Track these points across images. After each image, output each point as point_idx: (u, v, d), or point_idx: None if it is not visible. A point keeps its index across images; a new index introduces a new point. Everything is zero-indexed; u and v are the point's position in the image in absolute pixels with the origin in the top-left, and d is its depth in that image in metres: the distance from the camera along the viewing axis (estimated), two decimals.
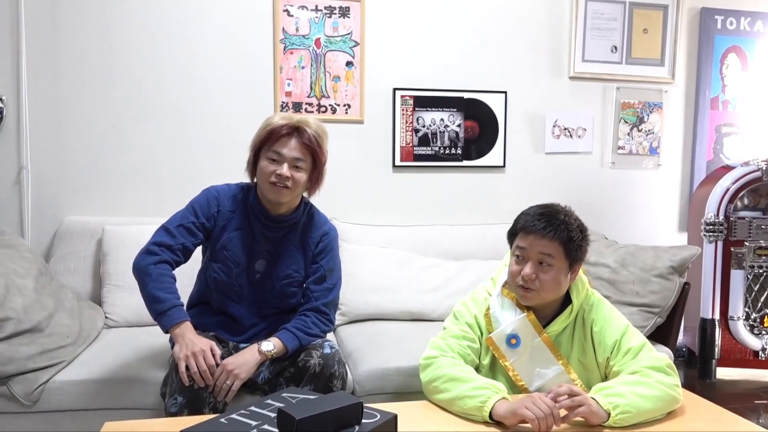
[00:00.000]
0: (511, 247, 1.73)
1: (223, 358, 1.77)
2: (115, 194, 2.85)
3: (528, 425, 1.40)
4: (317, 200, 2.76)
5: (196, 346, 1.70)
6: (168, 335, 2.05)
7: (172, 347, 2.02)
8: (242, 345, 1.93)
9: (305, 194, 2.02)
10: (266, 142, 1.87)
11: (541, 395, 1.44)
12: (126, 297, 2.49)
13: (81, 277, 2.62)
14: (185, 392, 1.69)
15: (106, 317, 2.47)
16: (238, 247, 1.93)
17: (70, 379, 1.99)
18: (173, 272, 1.86)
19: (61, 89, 2.77)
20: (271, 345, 1.82)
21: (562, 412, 1.43)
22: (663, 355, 1.62)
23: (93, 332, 2.30)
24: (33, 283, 2.16)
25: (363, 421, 1.19)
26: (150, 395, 1.99)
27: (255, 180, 1.96)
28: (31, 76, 2.72)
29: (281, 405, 1.18)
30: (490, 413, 1.44)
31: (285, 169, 1.84)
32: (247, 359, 1.77)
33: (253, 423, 1.17)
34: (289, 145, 1.86)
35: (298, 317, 1.94)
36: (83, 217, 2.76)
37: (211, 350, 1.71)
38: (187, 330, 1.76)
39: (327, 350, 1.87)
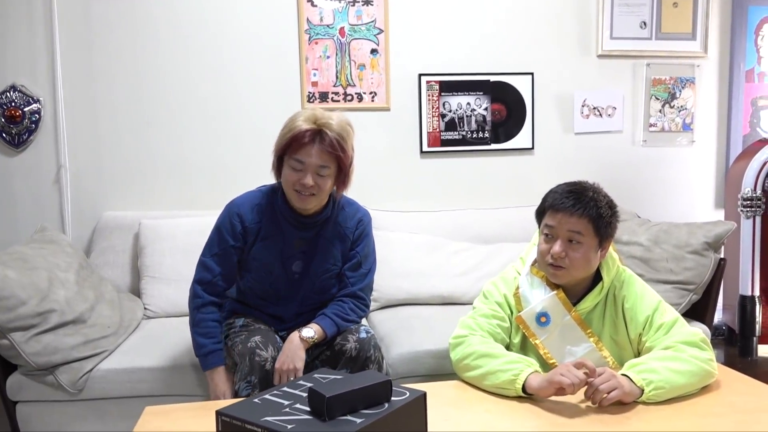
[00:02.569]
0: (539, 226, 1.72)
1: (269, 336, 1.84)
2: (150, 189, 2.92)
3: (559, 399, 1.40)
4: (350, 187, 2.79)
5: (213, 393, 1.85)
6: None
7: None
8: (281, 333, 1.97)
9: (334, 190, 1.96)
10: (288, 148, 1.82)
11: (575, 362, 1.45)
12: (163, 288, 2.56)
13: (120, 270, 2.69)
14: (259, 372, 1.76)
15: (145, 308, 2.54)
16: (270, 254, 1.92)
17: (112, 368, 2.06)
18: (216, 310, 1.92)
19: (95, 89, 2.85)
20: (311, 332, 1.85)
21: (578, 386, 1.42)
22: (697, 330, 1.60)
23: (133, 322, 2.37)
24: (74, 277, 2.24)
25: (392, 398, 1.21)
26: (189, 383, 2.06)
27: (279, 181, 1.93)
28: (66, 77, 2.81)
29: (312, 385, 1.21)
30: (523, 386, 1.45)
31: (309, 179, 1.79)
32: (293, 350, 1.81)
33: (286, 402, 1.20)
34: (312, 152, 1.79)
35: (336, 303, 1.97)
36: (120, 212, 2.84)
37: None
38: (215, 374, 1.87)
39: (363, 335, 1.89)
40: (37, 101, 2.79)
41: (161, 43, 2.88)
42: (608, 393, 1.41)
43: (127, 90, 2.87)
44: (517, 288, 1.74)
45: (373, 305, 2.66)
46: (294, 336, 1.84)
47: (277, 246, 1.92)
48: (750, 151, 3.20)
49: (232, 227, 1.90)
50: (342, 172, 1.88)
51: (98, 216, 2.84)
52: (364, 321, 2.06)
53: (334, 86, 3.02)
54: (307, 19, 2.96)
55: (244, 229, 1.90)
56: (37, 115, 2.80)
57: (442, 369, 2.04)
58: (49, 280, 2.11)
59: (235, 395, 1.80)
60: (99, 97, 2.86)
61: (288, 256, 1.93)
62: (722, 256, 2.52)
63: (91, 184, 2.88)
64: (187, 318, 2.45)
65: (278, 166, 1.89)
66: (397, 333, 2.31)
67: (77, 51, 2.82)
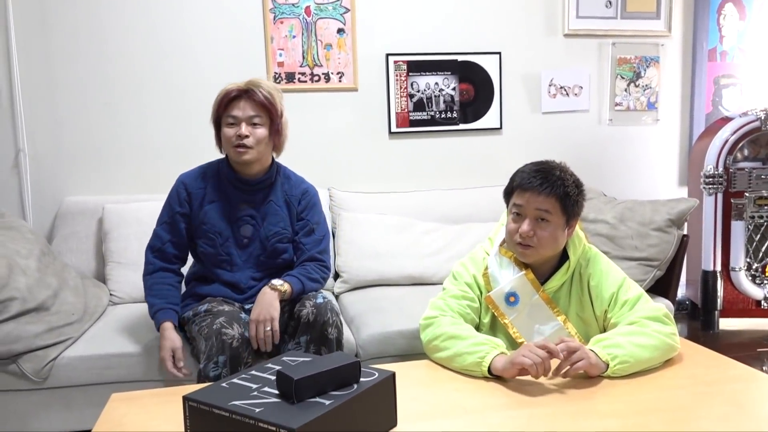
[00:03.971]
0: (507, 206, 1.73)
1: (233, 315, 1.85)
2: (113, 172, 2.86)
3: (526, 377, 1.42)
4: (315, 168, 2.78)
5: (164, 348, 1.89)
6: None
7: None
8: (247, 306, 1.98)
9: (273, 154, 2.08)
10: (221, 109, 1.96)
11: (536, 342, 1.46)
12: (129, 274, 2.51)
13: (84, 256, 2.64)
14: (229, 350, 1.77)
15: (111, 294, 2.50)
16: (216, 218, 2.01)
17: (78, 355, 2.03)
18: (170, 275, 2.02)
19: (53, 69, 2.76)
20: (279, 281, 1.92)
21: (555, 362, 1.44)
22: (660, 305, 1.63)
23: (99, 309, 2.33)
24: (36, 263, 2.18)
25: (361, 379, 1.21)
26: (157, 368, 2.03)
27: (224, 152, 2.05)
28: (21, 57, 2.71)
29: (280, 368, 1.20)
30: (489, 368, 1.46)
31: (243, 129, 1.92)
32: (267, 300, 1.87)
33: (254, 386, 1.20)
34: (242, 106, 1.94)
35: (298, 267, 2.04)
36: (83, 197, 2.78)
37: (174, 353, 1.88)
38: (166, 330, 1.91)
39: (320, 300, 1.93)
40: None
41: (121, 21, 2.79)
42: (574, 362, 1.43)
43: (87, 70, 2.79)
44: (486, 268, 1.75)
45: (342, 286, 2.66)
46: (265, 288, 1.90)
47: (224, 210, 2.01)
48: (712, 129, 3.27)
49: (177, 195, 2.03)
50: (275, 124, 1.99)
51: (60, 201, 2.77)
52: (324, 291, 2.10)
53: (300, 66, 2.98)
54: None
55: (188, 195, 2.02)
56: None
57: (412, 349, 2.06)
58: (9, 267, 2.05)
59: (202, 378, 1.78)
60: (57, 78, 2.77)
61: (235, 220, 2.02)
62: (685, 232, 2.58)
63: (51, 169, 2.81)
64: None
65: (219, 137, 2.02)
66: (368, 314, 2.31)
67: (33, 30, 2.72)
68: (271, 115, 1.97)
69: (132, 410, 1.37)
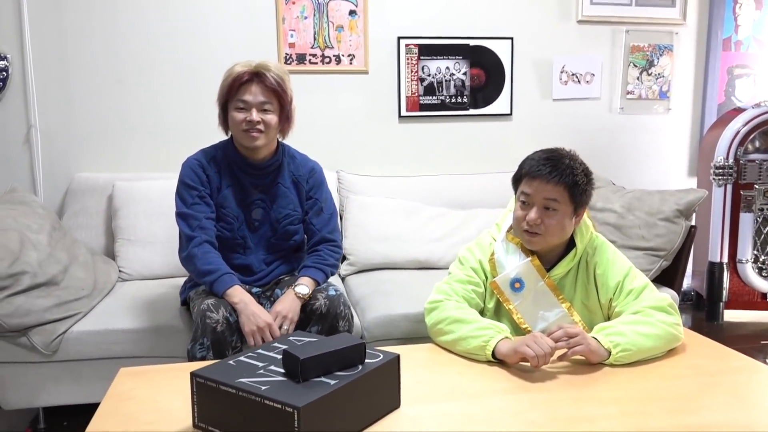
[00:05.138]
0: (515, 193, 1.73)
1: (220, 305, 1.82)
2: (123, 150, 2.87)
3: (527, 363, 1.43)
4: (324, 150, 2.79)
5: (260, 320, 1.78)
6: (180, 288, 2.13)
7: (183, 300, 2.08)
8: (255, 289, 1.99)
9: (279, 137, 2.06)
10: (230, 93, 1.92)
11: (543, 335, 1.47)
12: (138, 251, 2.54)
13: (94, 233, 2.66)
14: (211, 335, 1.76)
15: (120, 271, 2.52)
16: (233, 203, 1.99)
17: (87, 330, 2.06)
18: (215, 247, 1.93)
19: (66, 45, 2.77)
20: (305, 288, 1.90)
21: (560, 351, 1.46)
22: (665, 295, 1.64)
23: (107, 285, 2.35)
24: (47, 239, 2.21)
25: (366, 361, 1.23)
26: (164, 344, 2.06)
27: (230, 134, 2.02)
28: (34, 32, 2.72)
29: (286, 347, 1.22)
30: (493, 352, 1.48)
31: (254, 115, 1.89)
32: (292, 304, 1.86)
33: (260, 364, 1.21)
34: (253, 91, 1.91)
35: (311, 254, 2.04)
36: (93, 173, 2.79)
37: (270, 329, 1.79)
38: (244, 296, 1.82)
39: (332, 292, 1.94)
40: (4, 58, 2.70)
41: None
42: (572, 346, 1.45)
43: (100, 47, 2.80)
44: (493, 254, 1.76)
45: (349, 269, 2.67)
46: (290, 293, 1.89)
47: (237, 194, 2.00)
48: (724, 119, 3.24)
49: (197, 176, 1.97)
50: (284, 110, 1.97)
51: (70, 177, 2.79)
52: (332, 280, 2.09)
53: (311, 48, 2.98)
54: None
55: (206, 175, 1.98)
56: (4, 73, 2.71)
57: (417, 332, 2.07)
58: (21, 241, 2.08)
59: (190, 358, 1.79)
60: (70, 55, 2.78)
61: (248, 203, 2.01)
62: (693, 223, 2.57)
63: (62, 145, 2.82)
64: (163, 280, 2.48)
65: (224, 118, 1.99)
66: (373, 297, 2.33)
67: (46, 5, 2.72)
68: (281, 101, 1.95)
69: (140, 384, 1.40)
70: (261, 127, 1.91)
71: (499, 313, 1.76)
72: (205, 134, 2.71)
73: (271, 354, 1.27)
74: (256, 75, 1.91)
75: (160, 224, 2.53)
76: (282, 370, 1.18)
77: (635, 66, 3.33)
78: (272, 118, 1.93)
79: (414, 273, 2.63)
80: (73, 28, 2.76)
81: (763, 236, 3.17)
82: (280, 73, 1.94)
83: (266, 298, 2.01)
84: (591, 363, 1.48)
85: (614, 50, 3.30)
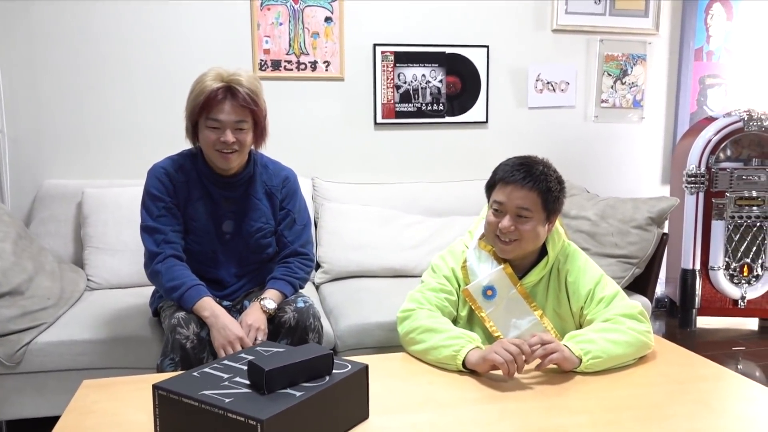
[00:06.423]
0: (488, 200, 1.73)
1: (190, 320, 1.77)
2: (94, 156, 2.82)
3: (499, 372, 1.42)
4: (299, 157, 2.77)
5: (231, 333, 1.72)
6: (150, 299, 2.08)
7: (154, 311, 2.04)
8: (225, 303, 1.94)
9: (252, 148, 1.97)
10: (202, 110, 1.80)
11: (510, 340, 1.46)
12: (107, 259, 2.49)
13: (62, 241, 2.61)
14: (180, 351, 1.72)
15: (88, 279, 2.47)
16: (204, 216, 1.92)
17: (52, 341, 2.01)
18: (182, 261, 1.87)
19: (35, 50, 2.72)
20: (271, 302, 1.85)
21: (536, 362, 1.45)
22: (635, 303, 1.64)
23: (75, 294, 2.30)
24: (11, 247, 2.15)
25: (334, 371, 1.21)
26: (132, 355, 2.02)
27: (197, 145, 1.91)
28: (2, 37, 2.67)
29: (252, 358, 1.19)
30: (464, 362, 1.47)
31: (229, 136, 1.80)
32: (261, 315, 1.82)
33: (225, 376, 1.19)
34: (227, 110, 1.80)
35: (281, 266, 1.98)
36: (63, 180, 2.74)
37: (241, 342, 1.73)
38: (214, 308, 1.77)
39: (301, 304, 1.89)
40: None
41: (108, 4, 2.75)
42: (548, 354, 1.44)
43: (71, 52, 2.75)
44: (465, 261, 1.75)
45: (323, 277, 2.65)
46: (256, 305, 1.83)
47: (208, 206, 1.92)
48: (696, 128, 3.29)
49: (163, 186, 1.88)
50: (258, 126, 1.90)
51: (39, 184, 2.73)
52: (307, 291, 2.05)
53: (287, 54, 2.96)
54: None
55: (173, 185, 1.89)
56: None
57: (390, 341, 2.05)
58: None
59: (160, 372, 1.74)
60: (39, 59, 2.73)
61: (219, 215, 1.93)
62: (665, 231, 2.59)
63: (31, 151, 2.77)
64: (132, 289, 2.43)
65: (193, 130, 1.88)
66: (347, 305, 2.31)
67: (15, 9, 2.67)
68: (256, 117, 1.86)
69: (102, 397, 1.36)
70: (236, 146, 1.82)
71: (472, 321, 1.75)
72: (179, 140, 2.67)
73: (236, 365, 1.24)
74: (229, 91, 1.80)
75: (130, 232, 2.48)
76: (247, 382, 1.16)
77: (609, 75, 3.36)
78: (247, 136, 1.85)
79: (389, 281, 2.62)
80: (43, 33, 2.71)
81: (734, 243, 3.21)
82: (253, 88, 1.84)
83: (237, 311, 1.96)
84: (563, 370, 1.48)
85: (589, 59, 3.33)
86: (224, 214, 1.94)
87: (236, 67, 1.87)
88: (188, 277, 1.83)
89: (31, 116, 2.75)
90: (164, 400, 1.13)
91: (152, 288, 2.11)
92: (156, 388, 1.14)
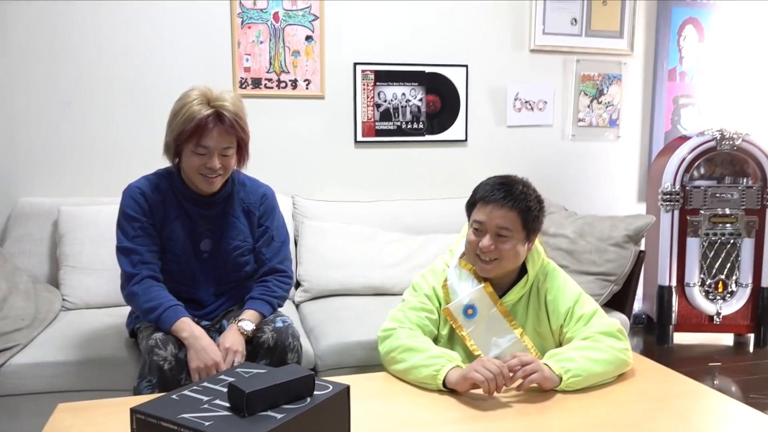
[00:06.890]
0: (469, 219, 1.74)
1: (168, 341, 1.75)
2: (70, 174, 2.79)
3: (479, 390, 1.43)
4: (279, 175, 2.76)
5: (208, 358, 1.70)
6: (127, 319, 2.05)
7: (131, 331, 2.01)
8: (204, 322, 1.92)
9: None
10: (192, 137, 1.78)
11: (489, 359, 1.47)
12: (83, 278, 2.45)
13: (38, 260, 2.56)
14: (158, 373, 1.69)
15: (63, 299, 2.43)
16: (181, 235, 1.90)
17: (26, 362, 1.96)
18: (159, 281, 1.84)
19: (9, 64, 2.68)
20: (249, 324, 1.82)
21: (517, 383, 1.46)
22: (614, 321, 1.66)
23: (50, 315, 2.26)
24: None
25: (315, 393, 1.20)
26: (108, 377, 1.98)
27: (176, 163, 1.89)
28: None
29: (233, 380, 1.18)
30: (444, 381, 1.47)
31: (215, 162, 1.80)
32: (239, 337, 1.79)
33: (205, 398, 1.17)
34: (215, 136, 1.78)
35: (259, 285, 1.97)
36: (38, 198, 2.70)
37: (217, 367, 1.71)
38: (193, 329, 1.74)
39: (279, 324, 1.87)
40: None
41: (83, 18, 2.73)
42: (528, 374, 1.45)
43: (47, 67, 2.72)
44: (446, 280, 1.76)
45: (303, 296, 2.64)
46: (234, 327, 1.81)
47: (186, 225, 1.91)
48: (671, 147, 3.35)
49: (138, 206, 1.86)
50: (242, 149, 1.90)
51: (13, 202, 2.68)
52: (286, 311, 2.03)
53: (267, 72, 2.96)
54: (240, 2, 2.88)
55: (149, 205, 1.87)
56: None
57: (371, 360, 2.04)
58: None
59: (138, 394, 1.71)
60: (14, 74, 2.69)
61: (196, 234, 1.92)
62: (642, 248, 2.63)
63: (5, 168, 2.72)
64: (109, 309, 2.39)
65: (175, 149, 1.85)
66: (327, 324, 2.30)
67: None
68: (241, 141, 1.86)
69: (78, 422, 1.34)
70: (221, 171, 1.82)
71: (452, 339, 1.75)
72: (158, 157, 2.66)
73: (216, 387, 1.23)
74: (218, 117, 1.78)
75: (108, 251, 2.42)
76: (227, 404, 1.14)
77: (586, 94, 3.42)
78: (231, 160, 1.86)
79: (370, 299, 2.61)
80: (18, 47, 2.68)
81: (708, 260, 3.27)
82: (239, 111, 1.83)
83: (216, 331, 1.93)
84: (544, 389, 1.48)
85: (566, 79, 3.39)
86: (202, 232, 1.92)
87: (220, 90, 1.84)
88: (165, 297, 1.80)
89: (5, 133, 2.71)
90: (142, 424, 1.11)
91: (129, 308, 2.08)
92: (134, 411, 1.12)
